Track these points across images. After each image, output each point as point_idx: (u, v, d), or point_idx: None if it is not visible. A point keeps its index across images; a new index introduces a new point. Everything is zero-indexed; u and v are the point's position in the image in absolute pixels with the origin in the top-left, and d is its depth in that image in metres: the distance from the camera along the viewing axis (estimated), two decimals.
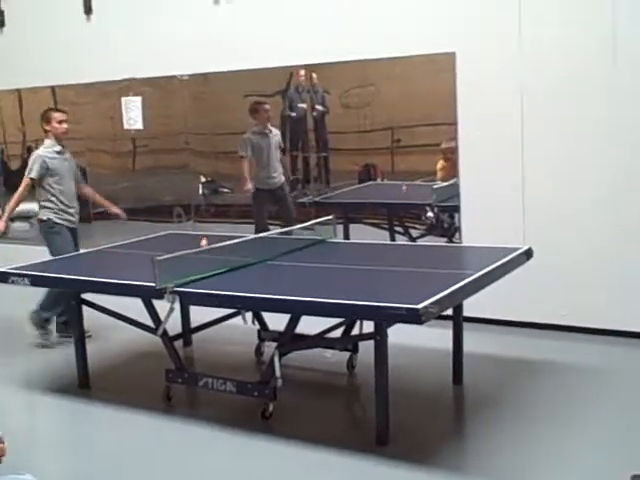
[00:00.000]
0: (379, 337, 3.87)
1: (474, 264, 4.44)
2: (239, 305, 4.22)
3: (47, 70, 7.82)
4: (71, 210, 6.00)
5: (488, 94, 5.62)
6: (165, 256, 4.20)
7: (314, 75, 7.12)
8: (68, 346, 5.40)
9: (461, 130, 5.86)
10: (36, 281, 4.79)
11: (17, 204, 5.98)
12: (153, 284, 4.16)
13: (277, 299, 3.85)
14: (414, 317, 3.49)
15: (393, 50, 6.02)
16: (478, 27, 5.62)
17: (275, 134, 7.29)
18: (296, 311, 4.01)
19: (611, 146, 5.19)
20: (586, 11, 5.25)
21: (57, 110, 6.17)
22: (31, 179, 5.88)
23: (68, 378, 5.07)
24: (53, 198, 5.91)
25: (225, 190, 8.01)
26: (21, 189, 5.95)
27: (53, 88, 8.18)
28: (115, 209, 6.35)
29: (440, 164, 6.82)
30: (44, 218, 5.96)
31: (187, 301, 4.11)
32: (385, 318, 3.70)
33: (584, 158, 5.35)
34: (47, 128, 5.97)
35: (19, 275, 4.76)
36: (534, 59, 5.44)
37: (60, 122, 5.96)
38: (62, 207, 5.95)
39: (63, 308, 5.87)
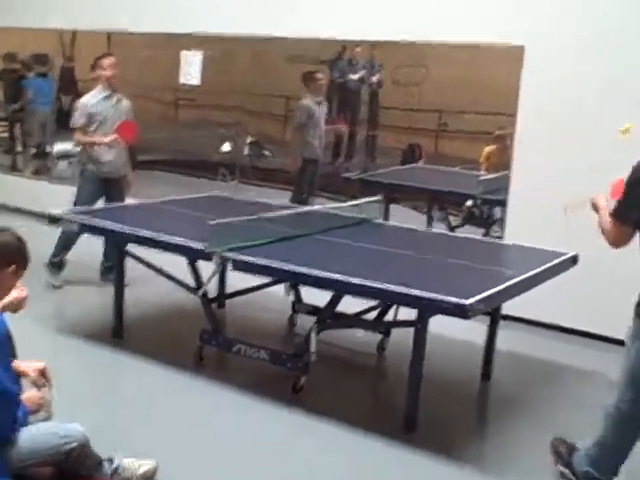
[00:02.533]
0: (420, 325, 3.89)
1: (521, 264, 4.43)
2: (286, 277, 4.24)
3: (104, 14, 7.80)
4: (107, 159, 5.93)
5: (554, 91, 5.52)
6: (217, 221, 4.22)
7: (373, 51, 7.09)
8: (104, 292, 5.48)
9: (520, 123, 5.77)
10: (85, 229, 4.84)
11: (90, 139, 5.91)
12: (203, 246, 4.19)
13: (327, 277, 3.86)
14: (461, 312, 3.51)
15: (460, 35, 5.94)
16: (549, 20, 5.53)
17: (325, 104, 7.29)
18: (342, 290, 4.02)
19: None
20: None
21: (106, 55, 6.10)
22: (79, 128, 5.88)
23: (102, 326, 5.14)
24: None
25: (267, 153, 8.04)
26: (81, 137, 5.93)
27: (109, 34, 8.18)
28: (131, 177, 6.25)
29: (485, 154, 6.78)
30: (82, 161, 6.05)
31: (236, 267, 4.13)
32: (431, 309, 3.72)
33: None
34: (95, 74, 5.95)
35: (71, 221, 4.81)
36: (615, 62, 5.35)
37: (108, 67, 5.89)
38: (96, 155, 5.93)
39: (108, 254, 5.95)
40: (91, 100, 5.91)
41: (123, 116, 6.00)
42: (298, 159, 7.27)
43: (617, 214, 3.28)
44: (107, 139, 5.83)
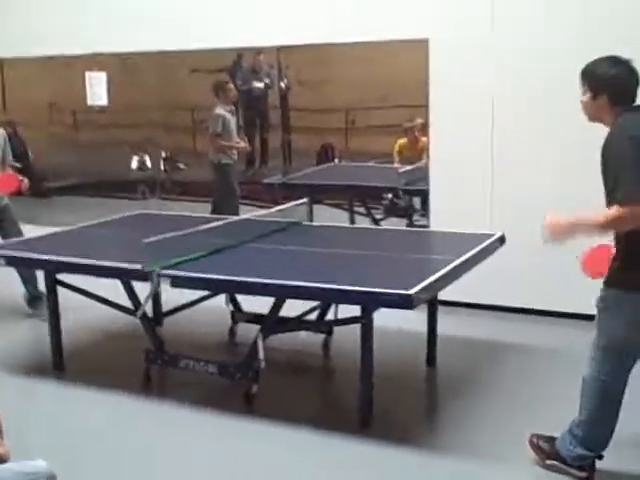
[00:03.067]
0: (365, 321, 3.95)
1: (452, 249, 4.54)
2: (226, 288, 4.24)
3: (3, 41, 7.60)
4: None
5: (460, 78, 5.68)
6: (152, 238, 4.18)
7: (280, 56, 7.15)
8: (34, 324, 5.35)
9: (432, 114, 5.92)
10: (12, 261, 4.71)
11: None
12: (138, 266, 4.15)
13: (267, 283, 3.87)
14: (406, 302, 3.58)
15: (364, 35, 6.05)
16: (452, 13, 5.69)
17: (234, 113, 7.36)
18: (284, 295, 4.05)
19: (584, 131, 5.29)
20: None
21: None
22: None
23: (41, 359, 5.01)
24: None
25: (182, 166, 8.01)
26: None
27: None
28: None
29: (397, 146, 6.93)
30: None
31: (175, 284, 4.10)
32: (376, 303, 3.78)
33: (554, 144, 5.46)
34: None
35: None
36: (508, 45, 5.53)
37: None
38: None
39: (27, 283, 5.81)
40: None
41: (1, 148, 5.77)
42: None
43: (630, 194, 2.92)
44: None
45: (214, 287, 4.29)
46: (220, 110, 7.23)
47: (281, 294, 4.05)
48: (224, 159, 7.32)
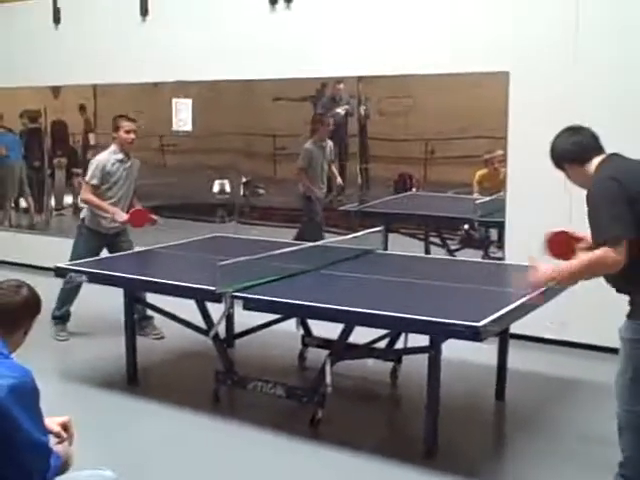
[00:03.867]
0: (433, 351, 3.95)
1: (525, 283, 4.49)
2: (296, 312, 4.30)
3: (95, 68, 7.96)
4: (108, 218, 5.88)
5: (540, 111, 5.64)
6: (226, 261, 4.29)
7: (360, 86, 7.23)
8: (112, 341, 5.51)
9: (510, 146, 5.90)
10: (94, 278, 4.90)
11: (101, 202, 5.86)
12: (212, 287, 4.26)
13: (337, 309, 3.92)
14: (474, 335, 3.57)
15: (444, 67, 6.10)
16: (533, 46, 5.68)
17: (329, 146, 7.41)
18: (353, 321, 4.08)
19: None
20: None
21: (127, 119, 5.96)
22: (93, 186, 5.83)
23: (117, 373, 5.18)
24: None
25: (261, 191, 8.15)
26: (90, 196, 5.84)
27: (94, 87, 8.40)
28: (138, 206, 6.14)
29: (477, 177, 6.89)
30: (82, 216, 6.06)
31: (247, 306, 4.19)
32: (444, 334, 3.78)
33: None
34: (114, 135, 5.91)
35: (77, 272, 4.87)
36: (589, 80, 5.48)
37: (128, 132, 5.84)
38: (98, 215, 5.91)
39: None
40: (107, 159, 5.88)
41: (127, 183, 5.98)
42: (319, 197, 7.46)
43: (612, 232, 3.02)
44: (117, 217, 5.80)
45: (284, 310, 4.37)
46: (309, 145, 7.35)
47: (349, 320, 4.08)
48: (308, 191, 7.44)
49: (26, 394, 2.58)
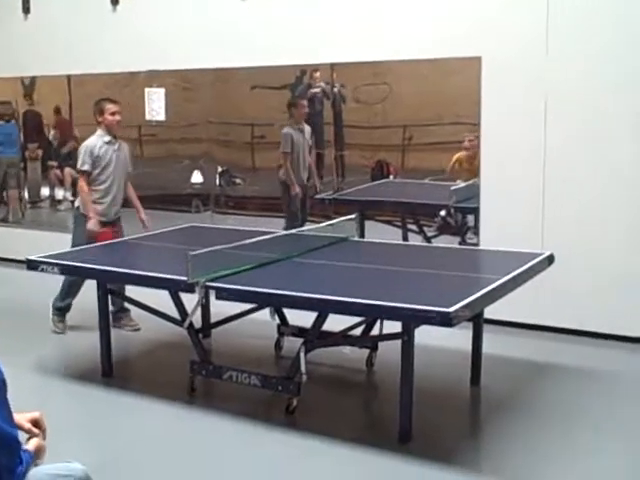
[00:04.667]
0: (406, 337, 3.95)
1: (499, 268, 4.51)
2: (271, 302, 4.29)
3: (68, 59, 7.87)
4: (104, 203, 5.88)
5: (513, 97, 5.66)
6: (198, 251, 4.27)
7: (335, 73, 7.20)
8: (91, 334, 5.48)
9: (484, 131, 5.90)
10: (66, 270, 4.86)
11: (89, 199, 5.84)
12: (184, 278, 4.23)
13: (311, 298, 3.92)
14: (445, 320, 3.57)
15: (418, 52, 6.09)
16: (505, 31, 5.68)
17: (307, 131, 7.36)
18: (327, 309, 4.08)
19: (635, 143, 5.23)
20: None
21: (110, 101, 5.94)
22: (85, 172, 5.79)
23: (91, 366, 5.14)
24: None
25: (238, 181, 8.10)
26: (83, 185, 5.82)
27: (69, 77, 8.31)
28: (143, 216, 6.13)
29: (454, 159, 6.85)
30: (77, 205, 6.02)
31: (219, 296, 4.17)
32: (415, 320, 3.78)
33: (607, 160, 5.39)
34: (99, 119, 5.87)
35: (49, 264, 4.83)
36: (561, 67, 5.49)
37: (113, 114, 5.83)
38: (95, 198, 5.86)
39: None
40: (95, 143, 5.85)
41: (120, 164, 5.95)
42: (296, 195, 7.36)
43: None
44: (91, 224, 5.74)
45: (256, 300, 4.35)
46: (288, 129, 7.30)
47: (322, 308, 4.08)
48: (288, 180, 7.39)
49: None
